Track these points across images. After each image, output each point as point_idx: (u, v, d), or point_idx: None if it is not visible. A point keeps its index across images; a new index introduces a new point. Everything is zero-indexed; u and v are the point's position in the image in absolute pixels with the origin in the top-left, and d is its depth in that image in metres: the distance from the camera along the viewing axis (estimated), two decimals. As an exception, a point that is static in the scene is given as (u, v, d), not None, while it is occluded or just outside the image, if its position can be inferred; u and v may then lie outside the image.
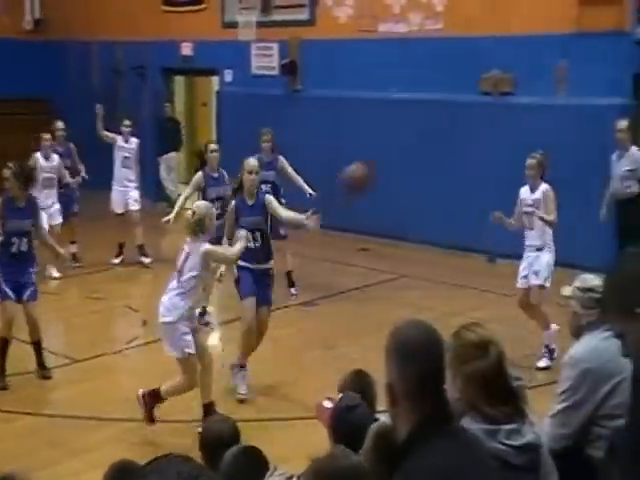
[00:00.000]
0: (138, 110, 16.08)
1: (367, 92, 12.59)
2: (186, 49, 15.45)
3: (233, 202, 7.29)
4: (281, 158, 10.06)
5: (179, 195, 15.52)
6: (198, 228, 6.20)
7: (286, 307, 9.53)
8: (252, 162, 7.32)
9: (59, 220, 10.79)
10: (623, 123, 9.65)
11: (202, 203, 6.63)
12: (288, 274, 10.05)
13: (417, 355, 2.48)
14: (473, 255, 11.59)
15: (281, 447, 5.40)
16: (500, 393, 3.02)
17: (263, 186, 8.71)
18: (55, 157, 10.97)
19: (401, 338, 2.56)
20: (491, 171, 11.42)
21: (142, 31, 15.74)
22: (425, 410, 2.47)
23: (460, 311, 8.78)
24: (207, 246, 6.28)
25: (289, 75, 13.74)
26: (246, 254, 6.83)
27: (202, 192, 9.20)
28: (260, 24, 13.76)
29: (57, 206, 10.81)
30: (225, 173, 9.45)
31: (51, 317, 8.98)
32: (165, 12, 15.65)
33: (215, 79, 15.68)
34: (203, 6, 15.01)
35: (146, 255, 11.47)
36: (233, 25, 14.04)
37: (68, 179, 11.16)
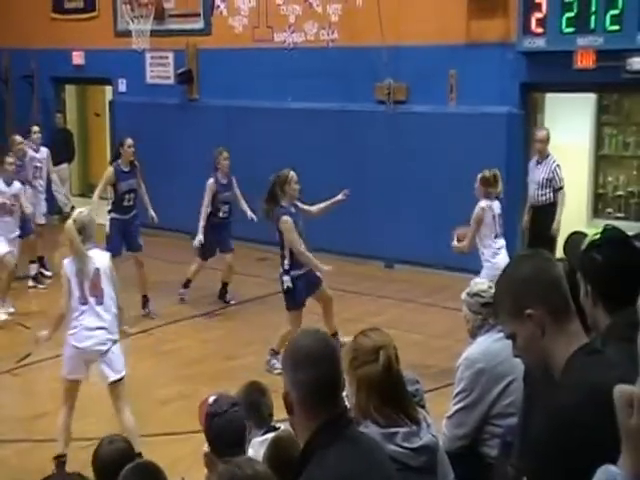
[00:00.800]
0: (28, 121, 15.69)
1: (264, 101, 12.64)
2: (77, 58, 15.21)
3: (288, 217, 7.55)
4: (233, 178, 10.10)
5: (72, 207, 15.32)
6: (82, 237, 5.94)
7: (189, 318, 9.49)
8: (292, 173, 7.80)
9: None
10: (543, 133, 10.04)
11: (84, 210, 6.30)
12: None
13: (309, 362, 2.49)
14: (371, 262, 11.73)
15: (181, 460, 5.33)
16: (390, 397, 3.07)
17: (226, 207, 9.74)
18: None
19: (294, 346, 2.59)
20: (386, 178, 11.61)
21: (30, 39, 15.37)
22: (321, 417, 2.49)
23: (359, 318, 8.87)
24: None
25: (185, 84, 13.68)
26: (298, 262, 7.35)
27: (113, 186, 9.56)
28: (154, 33, 13.60)
29: None
30: (138, 165, 9.77)
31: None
32: (54, 20, 15.37)
33: (108, 88, 15.49)
34: (94, 14, 14.81)
35: (46, 268, 11.19)
36: (126, 33, 13.83)
37: None
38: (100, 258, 6.04)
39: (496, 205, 7.94)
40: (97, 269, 5.92)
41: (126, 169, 9.63)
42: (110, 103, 15.16)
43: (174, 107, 13.76)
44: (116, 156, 9.81)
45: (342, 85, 11.91)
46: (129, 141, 9.72)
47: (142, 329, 8.94)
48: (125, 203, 9.64)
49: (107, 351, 5.87)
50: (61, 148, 15.21)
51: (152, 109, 13.78)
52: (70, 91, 16.84)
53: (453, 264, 10.69)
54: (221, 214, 9.87)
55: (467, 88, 10.95)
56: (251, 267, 11.74)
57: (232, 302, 10.17)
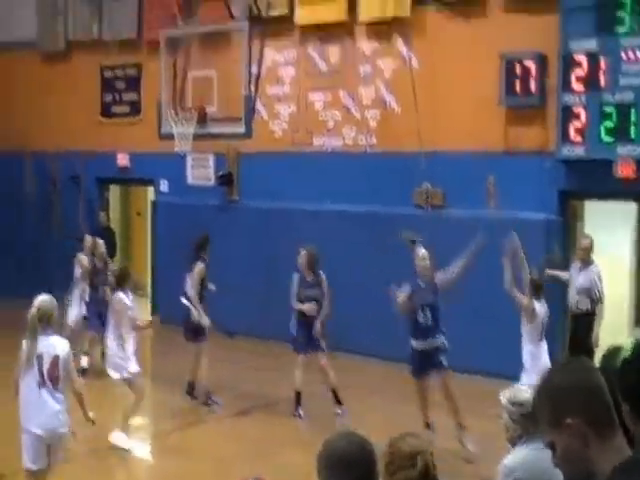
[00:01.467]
0: (74, 219, 16.03)
1: (302, 204, 12.83)
2: (122, 160, 15.59)
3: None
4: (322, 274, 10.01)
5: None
6: (42, 324, 6.06)
7: (221, 417, 9.45)
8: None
9: None
10: (586, 241, 10.01)
11: (46, 297, 6.31)
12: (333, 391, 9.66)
13: (342, 466, 2.49)
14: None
15: None
16: None
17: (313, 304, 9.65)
18: None
19: (328, 449, 2.59)
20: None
21: (78, 141, 15.84)
22: None
23: (395, 421, 8.72)
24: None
25: (226, 186, 13.93)
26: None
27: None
28: (196, 136, 13.91)
29: None
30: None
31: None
32: (102, 123, 15.83)
33: (151, 189, 15.80)
34: (140, 118, 15.22)
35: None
36: (169, 137, 14.16)
37: None
38: (60, 345, 6.17)
39: (544, 308, 8.03)
40: (56, 356, 6.07)
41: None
42: (152, 203, 15.45)
43: (214, 208, 13.99)
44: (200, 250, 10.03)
45: (380, 189, 12.09)
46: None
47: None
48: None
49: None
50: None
51: (193, 210, 14.04)
52: (114, 191, 17.24)
53: (491, 369, 10.58)
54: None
55: (505, 194, 11.01)
56: (287, 367, 11.70)
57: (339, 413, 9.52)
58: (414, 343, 8.48)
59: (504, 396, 4.38)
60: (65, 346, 6.19)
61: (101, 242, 11.71)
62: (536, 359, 7.81)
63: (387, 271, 11.79)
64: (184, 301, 9.85)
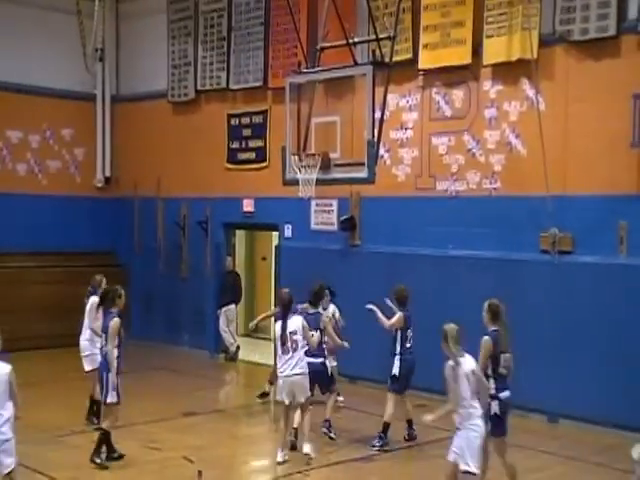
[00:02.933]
0: (201, 262, 16.39)
1: (425, 249, 12.71)
2: (248, 205, 15.83)
3: None
4: None
5: (238, 347, 15.70)
6: None
7: (338, 463, 9.34)
8: None
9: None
10: None
11: None
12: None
13: None
14: (532, 415, 11.30)
15: None
16: None
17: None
18: None
19: None
20: (551, 328, 11.27)
21: (206, 188, 16.26)
22: None
23: (520, 471, 8.39)
24: None
25: (348, 230, 13.93)
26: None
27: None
28: (320, 181, 13.96)
29: None
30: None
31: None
32: (228, 170, 16.15)
33: (275, 234, 15.98)
34: (265, 164, 15.44)
35: None
36: (293, 182, 14.29)
37: None
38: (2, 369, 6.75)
39: None
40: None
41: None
42: (276, 247, 15.62)
43: (337, 252, 14.01)
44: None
45: (504, 234, 11.83)
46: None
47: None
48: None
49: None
50: (229, 289, 15.79)
51: (316, 254, 14.08)
52: (240, 236, 17.54)
53: (624, 422, 10.12)
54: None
55: (638, 240, 10.58)
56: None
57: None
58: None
59: (636, 451, 4.10)
60: (5, 370, 6.72)
61: None
62: None
63: (512, 319, 11.57)
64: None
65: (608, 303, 10.68)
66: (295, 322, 9.28)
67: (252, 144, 15.82)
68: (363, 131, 10.84)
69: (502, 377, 7.76)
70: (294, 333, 9.19)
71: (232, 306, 15.83)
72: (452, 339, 6.98)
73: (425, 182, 12.99)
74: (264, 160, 15.50)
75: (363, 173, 13.97)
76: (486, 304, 7.93)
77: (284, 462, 9.18)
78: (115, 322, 8.86)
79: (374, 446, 9.81)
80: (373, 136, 10.58)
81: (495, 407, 7.58)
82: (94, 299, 10.14)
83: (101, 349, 9.10)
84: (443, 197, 12.72)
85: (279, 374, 9.30)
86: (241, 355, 15.72)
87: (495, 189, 12.12)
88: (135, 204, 17.84)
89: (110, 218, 18.14)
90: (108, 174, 18.45)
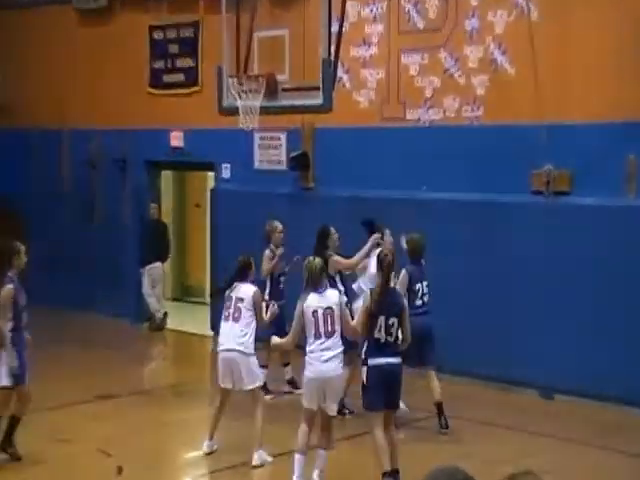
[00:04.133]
0: (117, 210, 16.33)
1: (393, 191, 12.75)
2: (175, 139, 15.77)
3: None
4: None
5: (165, 314, 15.71)
6: None
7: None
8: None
9: None
10: None
11: None
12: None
13: None
14: (525, 391, 11.50)
15: None
16: None
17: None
18: None
19: None
20: (543, 286, 11.44)
21: (123, 117, 16.14)
22: None
23: (509, 458, 8.65)
24: None
25: (299, 170, 13.98)
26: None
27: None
28: (265, 109, 13.94)
29: None
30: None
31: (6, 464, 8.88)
32: (151, 95, 16.05)
33: (210, 175, 15.96)
34: (196, 89, 15.37)
35: None
36: (232, 111, 14.23)
37: None
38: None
39: None
40: None
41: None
42: (212, 192, 15.58)
43: (286, 197, 14.04)
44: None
45: (489, 172, 11.92)
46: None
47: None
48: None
49: None
50: (154, 244, 15.72)
51: (261, 199, 14.08)
52: (166, 177, 17.49)
53: (634, 397, 10.35)
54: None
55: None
56: None
57: None
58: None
59: None
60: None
61: None
62: None
63: (495, 274, 11.81)
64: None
65: (612, 253, 10.85)
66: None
67: (180, 63, 15.75)
68: (317, 48, 10.77)
69: (378, 341, 8.09)
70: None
71: (158, 264, 15.78)
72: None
73: (393, 110, 13.03)
74: (195, 83, 15.44)
75: (317, 99, 13.93)
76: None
77: (211, 453, 9.25)
78: (6, 291, 8.76)
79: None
80: (329, 54, 10.56)
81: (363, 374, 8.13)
82: None
83: None
84: (415, 128, 12.77)
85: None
86: (169, 324, 15.75)
87: (477, 118, 12.19)
88: (32, 138, 17.59)
89: (1, 155, 17.91)
90: (-1, 99, 18.18)
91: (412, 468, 7.73)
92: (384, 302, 8.13)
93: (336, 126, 13.31)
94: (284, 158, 14.33)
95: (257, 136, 14.45)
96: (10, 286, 8.82)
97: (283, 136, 14.32)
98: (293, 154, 14.02)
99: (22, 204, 17.53)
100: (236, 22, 11.65)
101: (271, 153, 14.60)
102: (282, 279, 11.50)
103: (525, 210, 11.63)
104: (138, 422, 10.55)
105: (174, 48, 15.82)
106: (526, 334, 11.49)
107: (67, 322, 15.96)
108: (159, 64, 16.05)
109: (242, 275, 9.26)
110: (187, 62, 15.62)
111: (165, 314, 15.79)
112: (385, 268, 8.21)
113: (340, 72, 13.43)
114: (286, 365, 11.54)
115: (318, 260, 8.32)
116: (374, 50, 13.25)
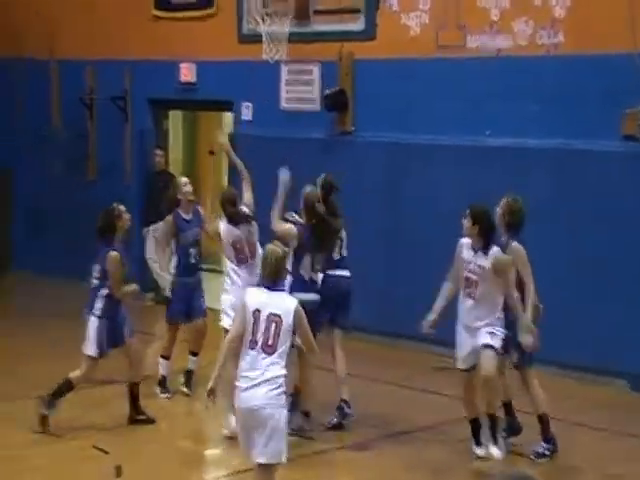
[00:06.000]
0: (117, 159, 16.33)
1: (448, 137, 12.70)
2: (187, 73, 15.63)
3: None
4: None
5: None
6: None
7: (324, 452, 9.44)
8: None
9: None
10: None
11: None
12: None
13: None
14: (610, 380, 11.41)
15: None
16: None
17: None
18: None
19: None
20: (635, 252, 11.30)
21: (124, 46, 16.03)
22: None
23: (594, 463, 8.62)
24: None
25: (335, 111, 13.81)
26: None
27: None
28: (294, 37, 13.74)
29: None
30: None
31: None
32: (157, 19, 15.94)
33: (228, 116, 15.89)
34: (211, 11, 15.22)
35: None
36: (255, 39, 14.02)
37: None
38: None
39: None
40: None
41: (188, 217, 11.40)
42: (230, 136, 15.32)
43: (319, 143, 13.96)
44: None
45: (568, 112, 11.80)
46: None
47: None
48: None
49: None
50: (159, 199, 15.46)
51: (288, 146, 13.88)
52: (175, 119, 17.44)
53: None
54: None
55: None
56: (424, 379, 11.79)
57: None
58: None
59: None
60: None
61: None
62: None
63: (573, 233, 11.57)
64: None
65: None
66: None
67: (192, -20, 15.65)
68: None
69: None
70: None
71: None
72: None
73: (451, 37, 12.83)
74: (210, 4, 15.30)
75: (358, 24, 13.78)
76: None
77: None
78: (113, 255, 9.69)
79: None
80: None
81: None
82: None
83: None
84: (478, 58, 12.58)
85: None
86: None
87: (556, 46, 11.99)
88: (17, 69, 17.57)
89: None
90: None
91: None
92: None
93: (380, 57, 13.29)
94: (317, 96, 14.16)
95: (284, 69, 14.35)
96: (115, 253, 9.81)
97: (316, 69, 14.13)
98: (328, 91, 13.82)
99: (5, 153, 17.53)
100: None
101: (301, 90, 14.42)
102: None
103: (614, 159, 11.46)
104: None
105: (184, -40, 15.75)
106: (619, 314, 11.34)
107: (55, 294, 15.99)
108: (166, -20, 15.99)
109: None
110: (200, -21, 15.55)
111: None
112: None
113: (385, -10, 13.28)
114: None
115: (280, 249, 7.65)
116: (428, -37, 13.12)
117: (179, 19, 15.60)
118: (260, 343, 6.83)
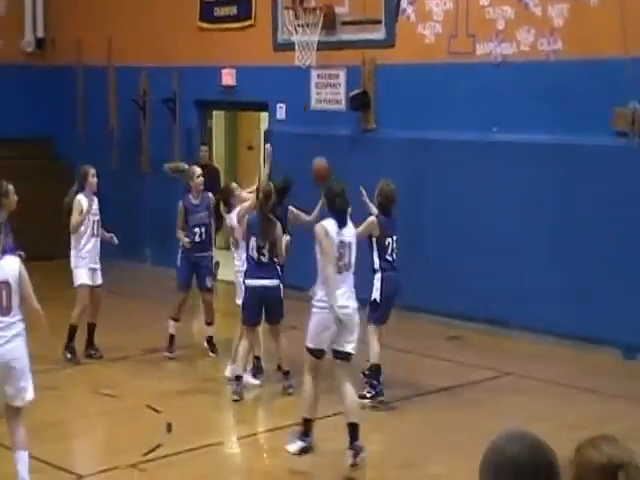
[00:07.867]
0: (167, 154, 16.34)
1: (460, 133, 12.66)
2: (228, 77, 15.65)
3: None
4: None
5: (217, 263, 15.61)
6: None
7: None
8: None
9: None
10: None
11: None
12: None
13: (515, 476, 2.62)
14: (603, 349, 11.32)
15: None
16: None
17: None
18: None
19: (497, 454, 2.68)
20: (627, 236, 11.25)
21: (172, 54, 16.08)
22: None
23: (586, 424, 8.56)
24: None
25: (359, 110, 13.82)
26: None
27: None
28: (322, 45, 13.81)
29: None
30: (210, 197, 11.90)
31: (50, 418, 8.96)
32: (202, 30, 15.97)
33: (264, 115, 15.88)
34: (250, 22, 15.24)
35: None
36: (288, 46, 14.10)
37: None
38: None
39: None
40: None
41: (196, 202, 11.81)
42: (266, 133, 15.48)
43: (345, 139, 13.94)
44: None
45: (566, 111, 11.76)
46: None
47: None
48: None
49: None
50: (205, 189, 15.58)
51: (318, 141, 13.85)
52: (218, 118, 17.45)
53: None
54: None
55: None
56: (438, 348, 11.72)
57: None
58: None
59: None
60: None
61: None
62: None
63: (571, 224, 11.62)
64: None
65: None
66: None
67: (233, -5, 15.60)
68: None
69: None
70: None
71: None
72: None
73: (461, 44, 12.81)
74: (249, 17, 15.30)
75: (379, 33, 13.82)
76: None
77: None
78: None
79: (365, 397, 9.46)
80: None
81: None
82: None
83: None
84: (485, 64, 12.57)
85: None
86: (221, 274, 15.66)
87: (555, 52, 11.95)
88: (78, 74, 17.64)
89: (44, 94, 17.94)
90: (41, 34, 18.21)
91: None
92: None
93: (399, 62, 13.26)
94: (343, 97, 14.17)
95: (314, 74, 14.34)
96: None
97: (342, 73, 14.14)
98: (353, 93, 13.83)
99: (67, 148, 17.59)
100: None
101: (329, 92, 14.44)
102: None
103: (607, 153, 11.40)
104: (187, 378, 10.71)
105: (226, -23, 15.69)
106: (609, 291, 11.28)
107: (112, 273, 15.80)
108: (210, -5, 15.95)
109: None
110: (240, -7, 15.49)
111: (217, 264, 15.66)
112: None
113: (404, 3, 13.32)
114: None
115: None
116: (441, -22, 13.05)
117: (221, 30, 15.63)
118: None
